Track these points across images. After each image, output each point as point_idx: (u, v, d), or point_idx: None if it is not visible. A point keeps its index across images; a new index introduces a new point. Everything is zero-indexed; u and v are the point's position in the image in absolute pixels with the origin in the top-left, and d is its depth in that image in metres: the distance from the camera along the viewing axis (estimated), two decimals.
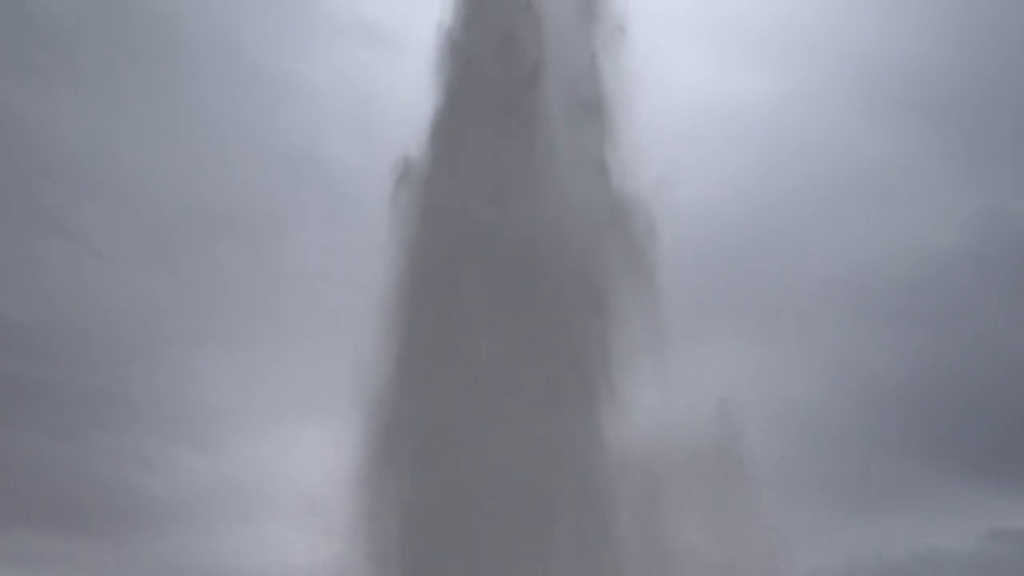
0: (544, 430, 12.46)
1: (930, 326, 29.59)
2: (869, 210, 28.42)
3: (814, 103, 27.66)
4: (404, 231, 13.92)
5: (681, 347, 13.84)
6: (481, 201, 13.64)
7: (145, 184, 28.16)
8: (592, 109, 14.55)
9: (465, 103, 14.38)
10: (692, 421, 13.06)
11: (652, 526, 12.78)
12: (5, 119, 26.46)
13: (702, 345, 14.26)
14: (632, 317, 13.93)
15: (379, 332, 13.40)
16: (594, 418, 13.18)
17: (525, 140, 14.05)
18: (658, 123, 13.81)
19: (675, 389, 13.25)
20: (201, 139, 27.77)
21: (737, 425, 13.26)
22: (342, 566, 12.38)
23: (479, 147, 14.03)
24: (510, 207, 13.64)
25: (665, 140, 14.05)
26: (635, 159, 14.21)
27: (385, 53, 25.09)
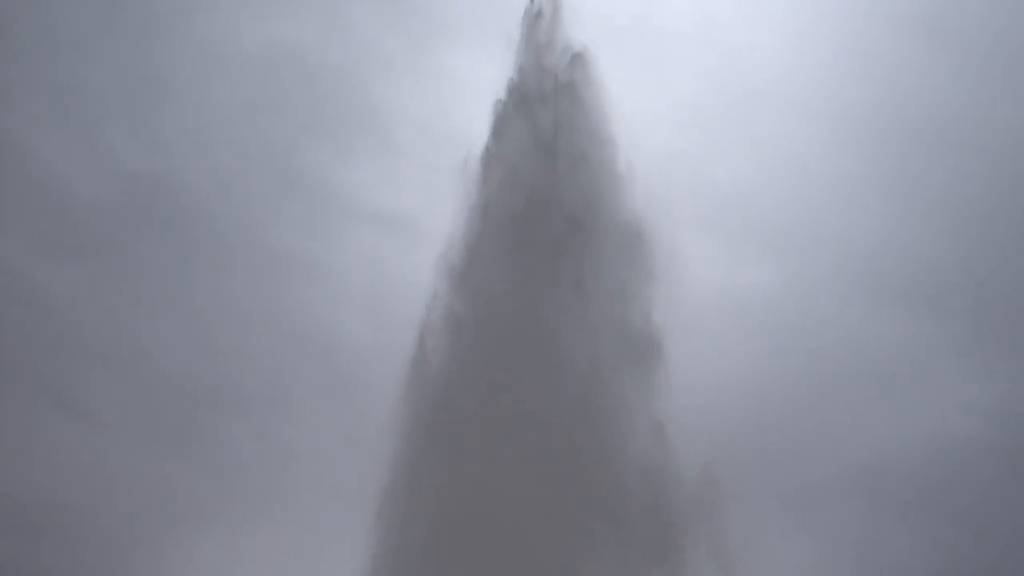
0: None
1: (953, 518, 28.77)
2: (882, 399, 28.29)
3: (823, 292, 28.22)
4: None
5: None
6: None
7: (155, 361, 28.36)
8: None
9: None
10: None
11: None
12: (19, 291, 26.98)
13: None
14: None
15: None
16: None
17: None
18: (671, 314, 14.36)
19: None
20: (215, 317, 28.28)
21: None
22: None
23: None
24: None
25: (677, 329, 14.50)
26: None
27: (402, 240, 26.04)
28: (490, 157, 15.91)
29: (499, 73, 16.60)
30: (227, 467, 26.94)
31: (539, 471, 12.65)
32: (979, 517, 28.40)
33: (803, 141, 29.53)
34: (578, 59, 16.57)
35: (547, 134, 16.16)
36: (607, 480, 13.23)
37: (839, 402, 26.29)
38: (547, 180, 15.65)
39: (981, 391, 28.85)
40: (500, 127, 16.15)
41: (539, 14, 17.02)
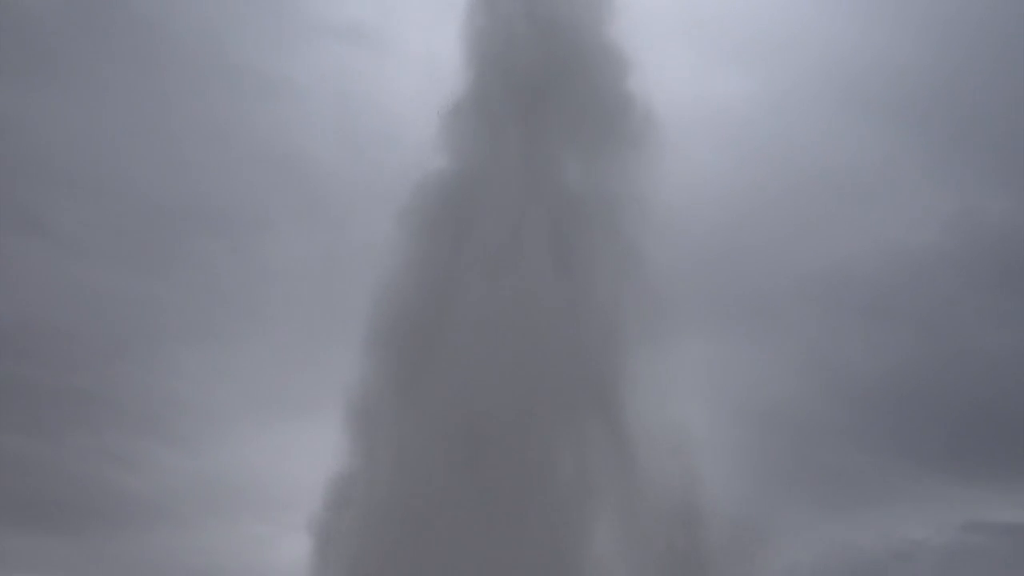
0: None
1: (907, 324, 29.90)
2: (846, 209, 28.64)
3: (793, 103, 27.81)
4: None
5: (665, 344, 13.96)
6: None
7: (125, 182, 27.91)
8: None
9: None
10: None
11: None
12: None
13: (681, 342, 14.33)
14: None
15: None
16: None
17: None
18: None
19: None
20: (183, 137, 27.55)
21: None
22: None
23: None
24: None
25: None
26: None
27: (368, 53, 25.07)
28: None
29: None
30: (204, 286, 27.17)
31: None
32: (934, 323, 29.66)
33: None
34: None
35: None
36: None
37: (804, 211, 26.55)
38: None
39: (944, 201, 29.26)
40: None
41: None
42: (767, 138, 25.79)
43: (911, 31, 28.91)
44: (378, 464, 13.42)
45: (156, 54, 27.67)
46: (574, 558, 12.79)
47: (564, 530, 12.86)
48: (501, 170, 14.86)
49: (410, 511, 12.67)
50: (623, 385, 13.84)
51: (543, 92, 15.23)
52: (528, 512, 12.63)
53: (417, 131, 14.96)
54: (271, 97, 27.02)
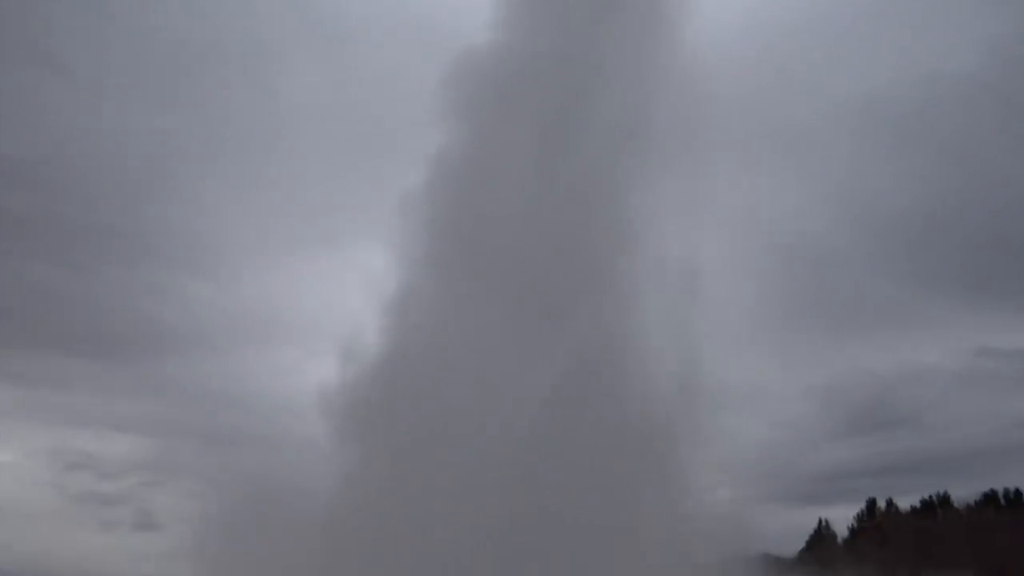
0: None
1: (936, 153, 29.13)
2: (882, 35, 27.27)
3: None
4: None
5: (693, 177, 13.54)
6: None
7: (142, 20, 27.21)
8: None
9: None
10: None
11: None
12: None
13: (711, 175, 13.96)
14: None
15: None
16: None
17: None
18: None
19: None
20: None
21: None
22: None
23: None
24: None
25: None
26: None
27: None
28: None
29: None
30: (221, 121, 26.72)
31: None
32: (965, 153, 28.65)
33: None
34: None
35: None
36: None
37: (839, 39, 25.33)
38: None
39: (986, 26, 27.83)
40: None
41: None
42: None
43: None
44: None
45: None
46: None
47: None
48: (549, 43, 14.12)
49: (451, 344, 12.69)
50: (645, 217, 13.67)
51: None
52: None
53: None
54: None
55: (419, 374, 12.71)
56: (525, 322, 12.63)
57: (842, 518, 53.21)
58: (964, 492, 51.32)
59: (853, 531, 49.46)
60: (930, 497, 51.54)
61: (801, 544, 46.68)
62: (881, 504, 51.85)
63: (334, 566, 12.02)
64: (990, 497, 48.86)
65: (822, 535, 46.94)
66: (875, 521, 48.46)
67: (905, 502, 52.55)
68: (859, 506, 52.79)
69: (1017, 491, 48.70)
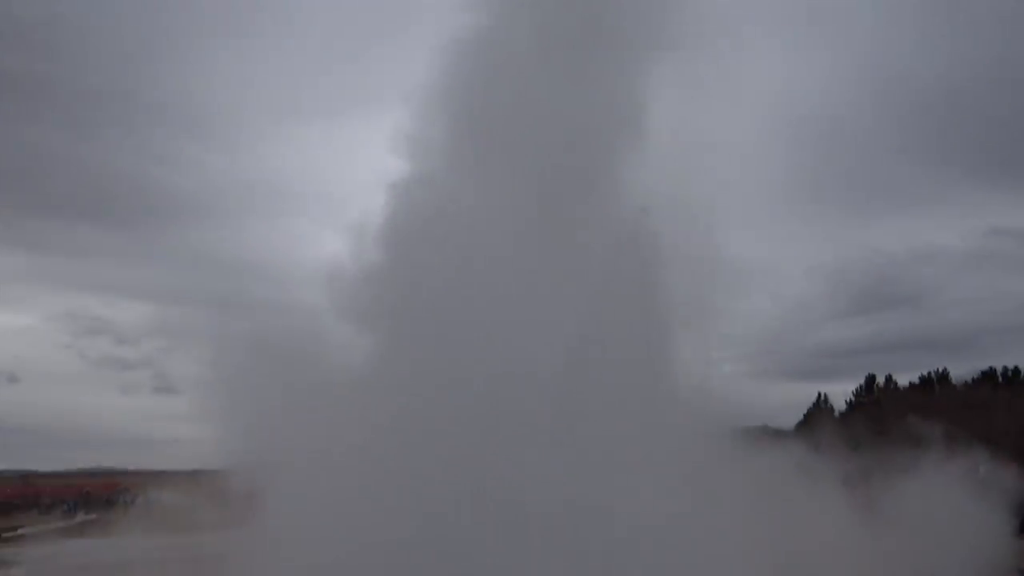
0: None
1: (965, 26, 28.06)
2: None
3: None
4: None
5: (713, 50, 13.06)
6: None
7: None
8: None
9: None
10: None
11: None
12: None
13: (731, 50, 13.44)
14: None
15: None
16: None
17: None
18: None
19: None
20: None
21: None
22: None
23: None
24: None
25: None
26: None
27: None
28: None
29: None
30: None
31: None
32: (993, 26, 27.51)
33: None
34: None
35: None
36: None
37: None
38: None
39: None
40: None
41: None
42: None
43: None
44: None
45: None
46: None
47: None
48: None
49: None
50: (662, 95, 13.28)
51: None
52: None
53: None
54: None
55: (438, 262, 12.62)
56: (543, 208, 12.43)
57: (841, 393, 54.49)
58: (964, 370, 52.17)
59: (851, 405, 50.72)
60: (928, 374, 52.49)
61: (799, 418, 47.98)
62: (880, 381, 52.95)
63: (353, 431, 12.35)
64: (988, 375, 49.70)
65: (820, 409, 48.06)
66: (873, 396, 49.59)
67: (904, 379, 53.60)
68: (859, 382, 54.01)
69: (1016, 369, 49.47)
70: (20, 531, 35.99)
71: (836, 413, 47.76)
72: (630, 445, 11.34)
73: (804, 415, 46.76)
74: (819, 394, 50.91)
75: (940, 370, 52.08)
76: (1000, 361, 50.82)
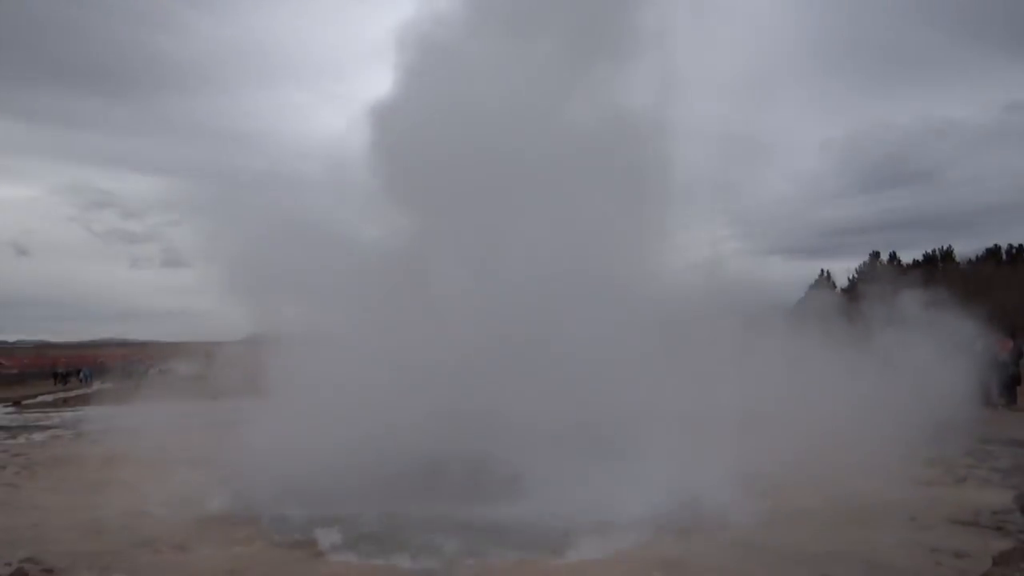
0: None
1: None
2: None
3: None
4: None
5: None
6: None
7: None
8: None
9: None
10: None
11: None
12: None
13: None
14: None
15: None
16: None
17: None
18: None
19: None
20: None
21: None
22: None
23: None
24: None
25: None
26: None
27: None
28: None
29: None
30: None
31: None
32: None
33: None
34: None
35: None
36: None
37: None
38: None
39: None
40: None
41: None
42: None
43: None
44: None
45: None
46: None
47: None
48: None
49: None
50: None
51: None
52: None
53: None
54: None
55: (457, 130, 12.42)
56: (560, 73, 12.12)
57: (845, 271, 54.71)
58: (969, 248, 52.06)
59: (853, 281, 51.07)
60: (933, 251, 52.61)
61: (801, 295, 48.32)
62: (885, 258, 53.11)
63: (368, 305, 12.50)
64: (992, 252, 49.80)
65: (822, 285, 48.44)
66: (875, 273, 49.82)
67: (909, 256, 53.74)
68: (863, 260, 54.17)
69: (1021, 247, 49.50)
70: (39, 398, 37.14)
71: (838, 289, 48.15)
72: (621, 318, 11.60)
73: (806, 292, 47.12)
74: (822, 271, 51.22)
75: (944, 247, 52.16)
76: (1006, 239, 50.74)
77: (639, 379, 11.00)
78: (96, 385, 55.14)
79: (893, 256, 52.99)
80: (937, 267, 48.75)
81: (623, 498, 8.72)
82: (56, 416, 22.87)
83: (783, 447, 11.88)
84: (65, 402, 32.55)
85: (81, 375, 61.70)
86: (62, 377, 57.41)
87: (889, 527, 6.74)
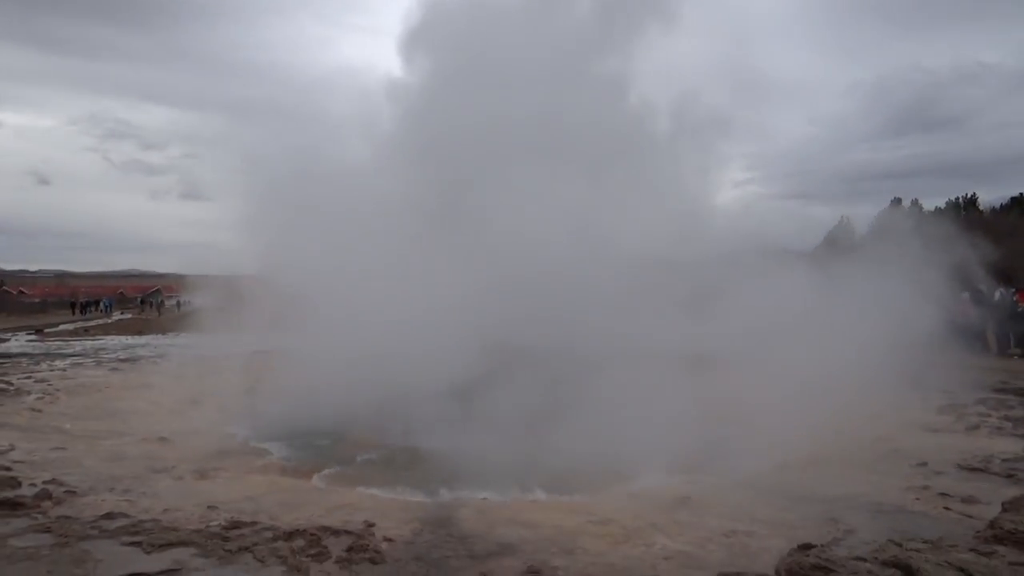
0: None
1: None
2: None
3: None
4: None
5: None
6: None
7: None
8: None
9: None
10: None
11: None
12: None
13: None
14: None
15: None
16: None
17: None
18: None
19: None
20: None
21: None
22: None
23: None
24: None
25: None
26: None
27: None
28: None
29: None
30: None
31: None
32: None
33: None
34: None
35: None
36: None
37: None
38: None
39: None
40: None
41: None
42: None
43: None
44: None
45: None
46: None
47: None
48: None
49: None
50: None
51: None
52: None
53: None
54: None
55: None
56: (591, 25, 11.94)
57: (865, 218, 53.90)
58: (994, 197, 51.12)
59: (873, 228, 50.30)
60: (956, 199, 51.75)
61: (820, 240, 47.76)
62: (906, 205, 52.31)
63: (385, 242, 12.51)
64: (1017, 200, 48.94)
65: (841, 231, 47.79)
66: (895, 219, 49.07)
67: (932, 203, 52.86)
68: (884, 207, 53.31)
69: None
70: (61, 327, 37.70)
71: (857, 236, 47.46)
72: None
73: (824, 238, 46.52)
74: (841, 217, 50.55)
75: (968, 195, 51.30)
76: None
77: (651, 321, 11.07)
78: (116, 315, 55.90)
79: (914, 203, 52.21)
80: (960, 215, 48.01)
81: (636, 439, 8.83)
82: (78, 344, 23.23)
83: (791, 392, 11.92)
84: (86, 331, 33.03)
85: (102, 305, 62.49)
86: (82, 307, 58.14)
87: (899, 473, 6.77)
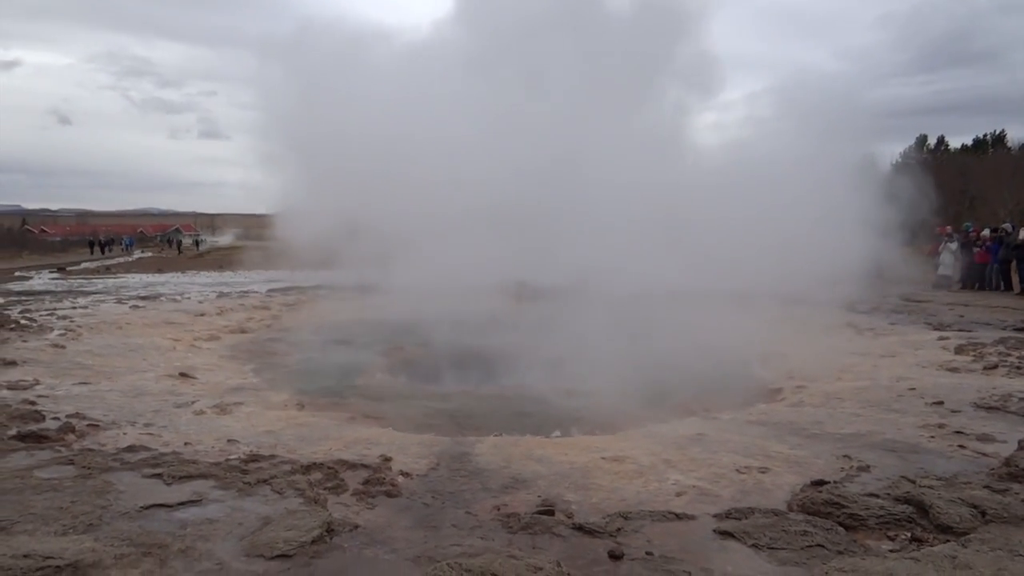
0: None
1: None
2: None
3: None
4: None
5: None
6: None
7: None
8: None
9: None
10: None
11: None
12: None
13: None
14: None
15: None
16: None
17: None
18: None
19: None
20: None
21: None
22: None
23: None
24: None
25: None
26: None
27: None
28: None
29: None
30: None
31: None
32: None
33: None
34: None
35: None
36: None
37: None
38: None
39: None
40: None
41: None
42: None
43: None
44: None
45: None
46: None
47: None
48: None
49: None
50: None
51: None
52: None
53: None
54: None
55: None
56: None
57: (889, 155, 53.00)
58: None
59: (896, 166, 49.57)
60: (984, 136, 50.66)
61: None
62: (932, 142, 51.32)
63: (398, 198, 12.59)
64: None
65: (864, 168, 46.96)
66: (921, 157, 48.32)
67: (959, 141, 51.79)
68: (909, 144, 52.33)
69: None
70: (82, 265, 38.08)
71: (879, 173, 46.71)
72: None
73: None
74: (863, 155, 49.67)
75: (996, 132, 50.15)
76: None
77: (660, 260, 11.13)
78: (137, 253, 56.36)
79: (940, 140, 51.15)
80: (987, 153, 46.98)
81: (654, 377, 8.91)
82: (99, 283, 23.46)
83: (806, 330, 11.88)
84: (107, 269, 33.33)
85: (123, 244, 62.99)
86: (102, 245, 58.59)
87: (914, 411, 6.76)
